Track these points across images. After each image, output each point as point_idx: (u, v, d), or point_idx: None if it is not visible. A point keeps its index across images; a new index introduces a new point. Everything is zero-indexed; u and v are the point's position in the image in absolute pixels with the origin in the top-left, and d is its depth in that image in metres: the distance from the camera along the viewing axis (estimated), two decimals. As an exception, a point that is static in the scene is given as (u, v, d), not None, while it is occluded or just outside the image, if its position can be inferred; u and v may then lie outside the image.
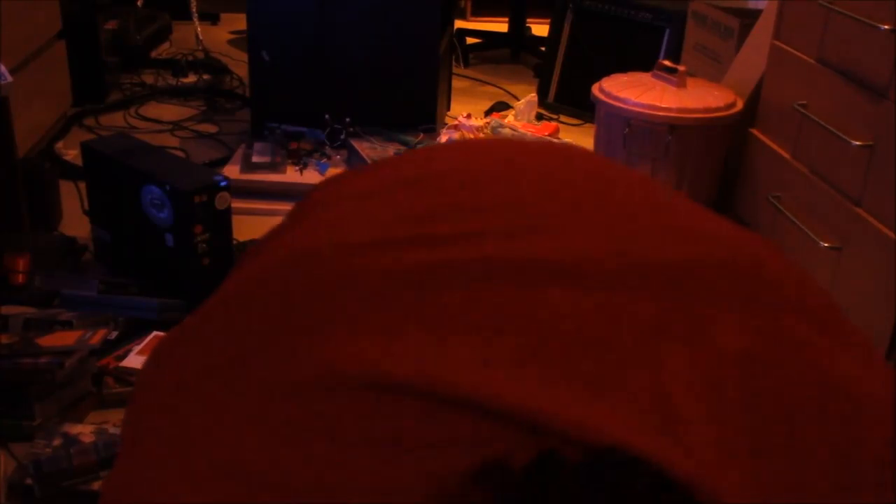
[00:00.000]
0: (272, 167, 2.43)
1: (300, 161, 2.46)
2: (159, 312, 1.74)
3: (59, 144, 2.69)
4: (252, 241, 2.13)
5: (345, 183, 0.72)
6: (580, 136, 2.89)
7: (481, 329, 0.53)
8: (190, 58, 3.52)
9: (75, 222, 2.20)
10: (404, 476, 0.49)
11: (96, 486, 1.33)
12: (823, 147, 1.84)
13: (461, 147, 0.74)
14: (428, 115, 2.65)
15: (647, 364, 0.52)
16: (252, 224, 2.26)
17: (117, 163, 1.88)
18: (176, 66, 3.43)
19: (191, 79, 3.38)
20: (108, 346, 1.65)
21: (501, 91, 3.52)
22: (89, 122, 2.92)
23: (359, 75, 2.59)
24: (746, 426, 0.52)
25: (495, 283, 0.56)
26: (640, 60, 2.73)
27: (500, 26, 4.34)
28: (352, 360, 0.52)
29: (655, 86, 2.19)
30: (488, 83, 3.63)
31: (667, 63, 2.25)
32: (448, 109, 3.19)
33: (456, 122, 2.62)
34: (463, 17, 4.70)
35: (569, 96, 3.31)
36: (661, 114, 2.08)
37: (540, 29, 3.99)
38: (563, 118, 3.23)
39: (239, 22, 3.96)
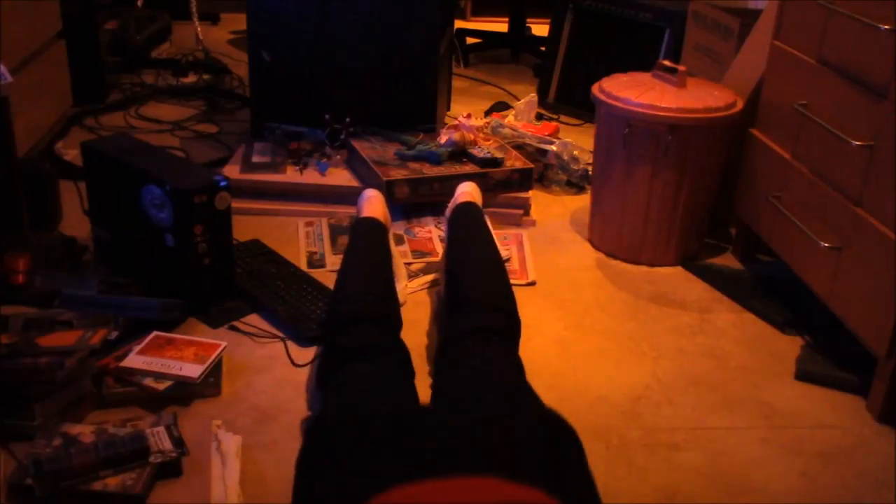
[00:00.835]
0: (272, 167, 2.43)
1: (300, 161, 2.46)
2: (159, 312, 1.73)
3: (59, 144, 2.69)
4: (252, 241, 2.13)
5: None
6: (580, 136, 2.89)
7: None
8: (190, 58, 3.52)
9: (75, 222, 2.20)
10: None
11: (96, 486, 1.33)
12: (823, 147, 1.84)
13: None
14: (428, 115, 2.65)
15: None
16: (252, 224, 2.26)
17: (117, 163, 1.88)
18: (176, 66, 3.43)
19: (191, 79, 3.38)
20: (108, 346, 1.65)
21: (501, 91, 3.52)
22: (89, 122, 2.92)
23: (359, 75, 2.59)
24: None
25: None
26: (640, 60, 2.73)
27: (500, 26, 4.34)
28: None
29: (655, 86, 2.18)
30: (488, 83, 3.63)
31: (667, 63, 2.25)
32: (448, 109, 3.19)
33: (456, 122, 2.62)
34: (463, 17, 4.71)
35: (569, 96, 3.31)
36: (661, 114, 2.08)
37: (540, 29, 3.99)
38: (563, 118, 3.24)
39: (239, 22, 3.97)
